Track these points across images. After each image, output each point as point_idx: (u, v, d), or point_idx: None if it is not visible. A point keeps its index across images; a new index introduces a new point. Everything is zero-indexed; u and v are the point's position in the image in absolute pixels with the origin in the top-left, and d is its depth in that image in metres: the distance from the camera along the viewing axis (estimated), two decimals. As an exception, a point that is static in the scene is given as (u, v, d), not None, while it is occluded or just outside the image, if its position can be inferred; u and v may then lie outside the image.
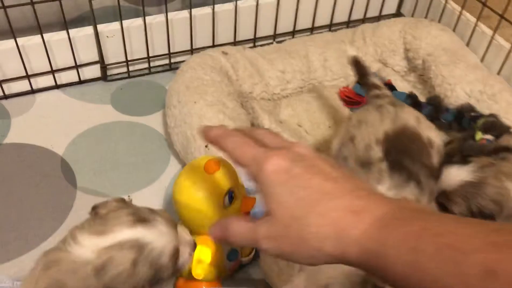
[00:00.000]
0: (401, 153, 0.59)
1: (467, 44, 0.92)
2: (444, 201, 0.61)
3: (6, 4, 0.75)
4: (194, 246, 0.51)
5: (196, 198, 0.55)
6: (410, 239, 0.30)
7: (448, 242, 0.28)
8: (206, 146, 0.69)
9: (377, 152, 0.60)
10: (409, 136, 0.61)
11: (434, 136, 0.63)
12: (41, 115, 0.84)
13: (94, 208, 0.48)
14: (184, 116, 0.73)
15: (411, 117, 0.63)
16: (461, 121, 0.78)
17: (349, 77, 0.93)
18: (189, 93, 0.74)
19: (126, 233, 0.43)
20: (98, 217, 0.46)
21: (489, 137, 0.67)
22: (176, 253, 0.47)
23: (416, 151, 0.60)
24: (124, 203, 0.48)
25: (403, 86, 0.92)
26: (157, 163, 0.78)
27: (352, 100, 0.88)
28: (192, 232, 0.53)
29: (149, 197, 0.73)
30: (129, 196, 0.72)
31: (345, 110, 0.88)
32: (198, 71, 0.79)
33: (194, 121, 0.71)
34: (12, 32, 0.79)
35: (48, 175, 0.74)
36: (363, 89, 0.76)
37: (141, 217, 0.45)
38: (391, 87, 0.90)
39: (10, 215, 0.69)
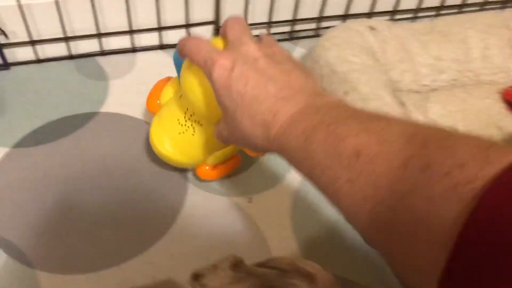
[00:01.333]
0: None
1: None
2: None
3: None
4: None
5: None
6: (308, 130, 0.35)
7: (334, 131, 0.33)
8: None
9: None
10: None
11: None
12: (141, 80, 0.70)
13: (197, 278, 0.34)
14: (329, 109, 0.58)
15: None
16: None
17: (511, 72, 0.75)
18: (338, 80, 0.59)
19: None
20: None
21: None
22: None
23: None
24: (239, 267, 0.33)
25: None
26: (280, 162, 0.63)
27: (522, 104, 0.70)
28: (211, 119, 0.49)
29: (271, 200, 0.59)
30: (250, 198, 0.59)
31: (510, 116, 0.70)
32: (345, 50, 0.63)
33: (345, 117, 0.56)
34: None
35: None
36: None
37: (274, 286, 0.31)
38: None
39: (108, 205, 0.57)
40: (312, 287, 0.33)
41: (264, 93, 0.38)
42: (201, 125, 0.52)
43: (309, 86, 0.39)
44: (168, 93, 0.57)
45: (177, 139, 0.54)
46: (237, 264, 0.34)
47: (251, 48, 0.41)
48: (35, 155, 0.60)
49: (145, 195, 0.58)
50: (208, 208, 0.58)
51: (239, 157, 0.59)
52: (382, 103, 0.57)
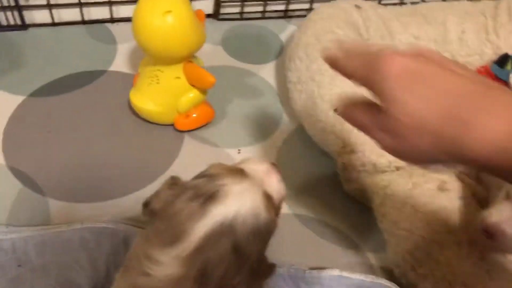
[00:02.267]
0: None
1: None
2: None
3: None
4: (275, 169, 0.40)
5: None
6: None
7: None
8: (335, 110, 0.61)
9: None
10: None
11: None
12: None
13: (146, 205, 0.38)
14: (312, 73, 0.65)
15: None
16: None
17: (485, 55, 0.82)
18: (320, 47, 0.66)
19: (202, 225, 0.34)
20: (159, 219, 0.36)
21: None
22: (268, 201, 0.37)
23: None
24: (176, 184, 0.38)
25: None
26: (268, 119, 0.70)
27: (491, 83, 0.77)
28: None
29: (258, 155, 0.66)
30: (239, 150, 0.66)
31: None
32: (330, 22, 0.70)
33: (325, 80, 0.63)
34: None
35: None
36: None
37: (205, 193, 0.35)
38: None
39: (113, 150, 0.64)
40: (242, 181, 0.35)
41: (464, 85, 0.32)
42: (162, 71, 0.61)
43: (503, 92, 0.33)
44: (144, 62, 0.65)
45: (148, 91, 0.63)
46: (174, 183, 0.38)
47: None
48: (49, 104, 0.67)
49: (146, 142, 0.65)
50: (201, 156, 0.65)
51: (209, 106, 0.67)
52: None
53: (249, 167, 0.38)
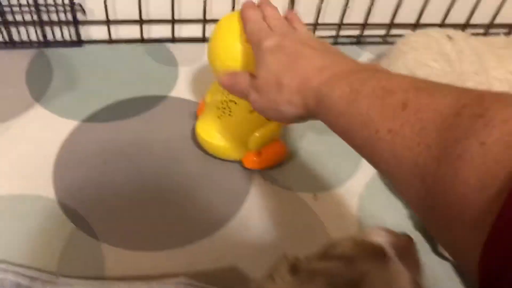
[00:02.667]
0: None
1: None
2: None
3: None
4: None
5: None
6: (355, 83, 0.34)
7: (384, 85, 0.32)
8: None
9: None
10: None
11: None
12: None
13: None
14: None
15: None
16: None
17: None
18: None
19: None
20: None
21: None
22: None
23: None
24: (299, 269, 0.29)
25: None
26: (347, 160, 0.62)
27: None
28: None
29: (337, 202, 0.58)
30: (314, 195, 0.58)
31: None
32: (422, 54, 0.62)
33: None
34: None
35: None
36: None
37: (344, 283, 0.27)
38: None
39: (174, 188, 0.56)
40: (385, 266, 0.30)
41: (315, 53, 0.40)
42: (236, 103, 0.54)
43: (349, 57, 0.41)
44: (213, 90, 0.58)
45: (217, 123, 0.56)
46: (295, 265, 0.30)
47: (298, 32, 0.45)
48: (104, 130, 0.60)
49: (214, 181, 0.57)
50: (273, 200, 0.57)
51: (283, 145, 0.59)
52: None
53: (386, 243, 0.30)
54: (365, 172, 0.61)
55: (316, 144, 0.63)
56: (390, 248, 0.30)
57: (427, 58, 0.61)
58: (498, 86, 0.69)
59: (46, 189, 0.53)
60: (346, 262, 0.28)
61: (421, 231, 0.56)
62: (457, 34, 0.68)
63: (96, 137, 0.59)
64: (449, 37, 0.67)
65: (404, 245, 0.33)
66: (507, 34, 0.83)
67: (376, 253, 0.29)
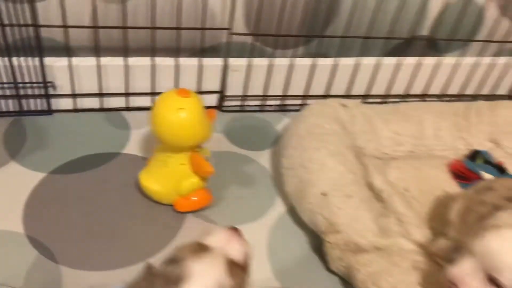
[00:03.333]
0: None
1: None
2: None
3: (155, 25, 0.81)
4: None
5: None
6: None
7: None
8: (322, 194, 0.69)
9: None
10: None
11: None
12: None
13: None
14: (303, 161, 0.73)
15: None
16: None
17: (458, 151, 0.91)
18: (311, 139, 0.75)
19: None
20: None
21: None
22: (232, 266, 0.41)
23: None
24: (150, 273, 0.41)
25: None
26: (262, 200, 0.78)
27: (464, 175, 0.86)
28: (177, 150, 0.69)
29: (253, 232, 0.73)
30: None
31: (453, 183, 0.85)
32: (319, 118, 0.80)
33: (314, 167, 0.72)
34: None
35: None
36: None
37: (174, 280, 0.39)
38: (501, 169, 0.88)
39: (120, 224, 0.71)
40: (204, 258, 0.40)
41: None
42: (171, 157, 0.70)
43: None
44: (158, 147, 0.73)
45: (156, 173, 0.72)
46: (149, 272, 0.40)
47: None
48: (66, 181, 0.75)
49: (150, 218, 0.72)
50: (200, 232, 0.71)
51: (208, 194, 0.74)
52: (344, 159, 0.73)
53: (211, 240, 0.44)
54: (277, 210, 0.77)
55: (241, 188, 0.79)
56: (218, 242, 0.43)
57: (322, 121, 0.79)
58: (386, 144, 0.87)
59: (16, 225, 0.67)
60: (175, 263, 0.40)
61: (316, 252, 0.71)
62: (350, 102, 0.88)
63: (60, 186, 0.74)
64: (344, 105, 0.86)
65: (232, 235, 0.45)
66: (400, 102, 1.03)
67: (197, 250, 0.41)
